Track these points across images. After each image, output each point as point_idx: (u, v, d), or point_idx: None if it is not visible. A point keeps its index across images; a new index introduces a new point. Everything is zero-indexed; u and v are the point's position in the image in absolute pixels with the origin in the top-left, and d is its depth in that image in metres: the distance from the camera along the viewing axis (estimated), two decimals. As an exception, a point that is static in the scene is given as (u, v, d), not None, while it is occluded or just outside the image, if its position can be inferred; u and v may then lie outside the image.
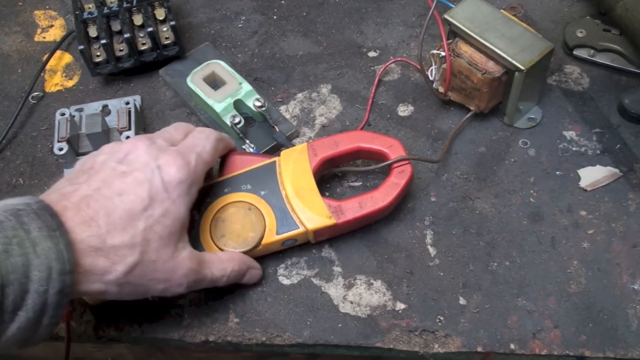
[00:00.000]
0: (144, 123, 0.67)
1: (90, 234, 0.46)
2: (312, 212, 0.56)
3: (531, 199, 0.60)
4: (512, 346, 0.53)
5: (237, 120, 0.63)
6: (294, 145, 0.63)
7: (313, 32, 0.73)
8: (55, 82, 0.72)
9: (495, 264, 0.57)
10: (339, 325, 0.55)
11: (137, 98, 0.68)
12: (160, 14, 0.69)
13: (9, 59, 0.74)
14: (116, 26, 0.68)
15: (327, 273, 0.58)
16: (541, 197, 0.60)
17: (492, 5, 0.63)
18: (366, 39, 0.72)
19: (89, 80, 0.71)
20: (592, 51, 0.68)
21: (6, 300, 0.41)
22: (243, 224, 0.56)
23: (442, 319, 0.55)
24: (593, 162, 0.62)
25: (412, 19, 0.73)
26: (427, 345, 0.54)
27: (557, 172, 0.62)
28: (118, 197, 0.48)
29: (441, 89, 0.64)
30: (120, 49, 0.68)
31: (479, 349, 0.53)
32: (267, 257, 0.58)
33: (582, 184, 0.61)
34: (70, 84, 0.72)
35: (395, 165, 0.57)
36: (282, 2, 0.76)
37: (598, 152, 0.62)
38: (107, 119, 0.65)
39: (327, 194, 0.61)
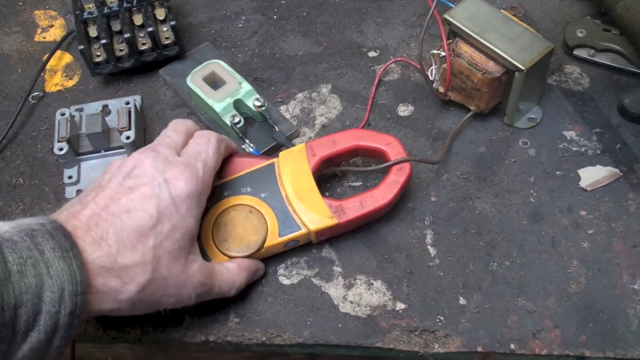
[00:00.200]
0: (144, 123, 0.67)
1: (101, 254, 0.46)
2: (314, 213, 0.55)
3: (531, 199, 0.60)
4: (512, 346, 0.53)
5: (237, 120, 0.63)
6: (294, 145, 0.63)
7: (313, 32, 0.73)
8: (55, 82, 0.72)
9: (495, 264, 0.57)
10: (339, 325, 0.55)
11: (137, 98, 0.68)
12: (160, 13, 0.69)
13: (9, 59, 0.74)
14: (116, 26, 0.68)
15: (327, 273, 0.58)
16: (541, 197, 0.60)
17: (492, 5, 0.63)
18: (366, 39, 0.72)
19: (89, 80, 0.71)
20: (592, 51, 0.68)
21: (19, 321, 0.41)
22: (245, 228, 0.55)
23: (442, 319, 0.55)
24: (593, 162, 0.62)
25: (412, 19, 0.73)
26: (427, 345, 0.54)
27: (557, 172, 0.62)
28: (126, 214, 0.47)
29: (441, 89, 0.64)
30: (121, 49, 0.68)
31: (479, 349, 0.53)
32: (266, 257, 0.58)
33: (582, 184, 0.61)
34: (70, 83, 0.72)
35: (392, 167, 0.58)
36: (282, 2, 0.76)
37: (598, 152, 0.62)
38: (107, 118, 0.65)
39: (327, 193, 0.61)
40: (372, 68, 0.70)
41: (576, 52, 0.68)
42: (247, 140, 0.63)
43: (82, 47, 0.66)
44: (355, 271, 0.58)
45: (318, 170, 0.59)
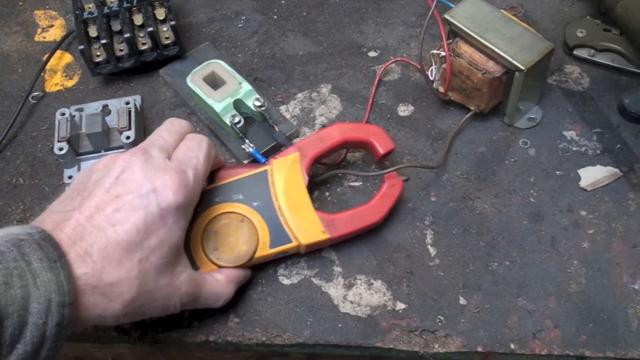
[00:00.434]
0: (144, 123, 0.67)
1: (86, 270, 0.44)
2: (306, 226, 0.55)
3: (531, 199, 0.60)
4: (512, 346, 0.53)
5: (236, 120, 0.63)
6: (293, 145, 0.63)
7: (313, 32, 0.73)
8: (55, 82, 0.72)
9: (496, 263, 0.57)
10: (339, 325, 0.55)
11: (137, 98, 0.68)
12: (160, 13, 0.69)
13: (9, 59, 0.74)
14: (116, 26, 0.68)
15: (327, 273, 0.58)
16: (541, 197, 0.60)
17: (492, 5, 0.63)
18: (366, 39, 0.72)
19: (89, 80, 0.71)
20: (592, 51, 0.68)
21: (4, 333, 0.40)
22: (236, 237, 0.54)
23: (442, 318, 0.55)
24: (593, 162, 0.62)
25: (412, 19, 0.73)
26: (427, 345, 0.54)
27: (557, 172, 0.62)
28: (112, 227, 0.46)
29: (441, 89, 0.64)
30: (121, 48, 0.68)
31: (479, 349, 0.53)
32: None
33: (582, 183, 0.61)
34: (70, 83, 0.72)
35: (387, 176, 0.58)
36: (282, 2, 0.76)
37: (598, 152, 0.62)
38: (107, 118, 0.65)
39: (327, 193, 0.61)
40: (372, 68, 0.70)
41: (576, 52, 0.68)
42: (247, 140, 0.63)
43: (82, 47, 0.66)
44: (355, 271, 0.58)
45: (310, 169, 0.58)
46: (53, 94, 0.71)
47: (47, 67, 0.72)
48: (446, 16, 0.62)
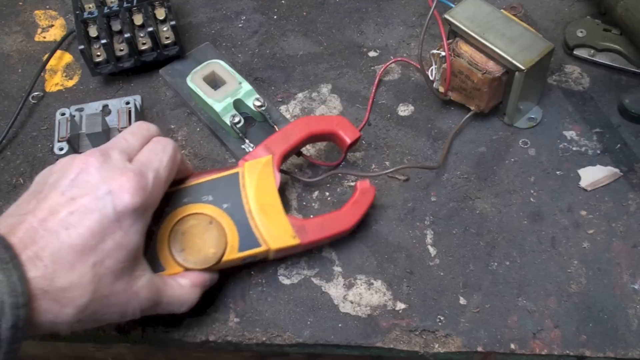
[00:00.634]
0: (144, 123, 0.67)
1: (37, 274, 0.43)
2: (276, 231, 0.54)
3: (531, 199, 0.60)
4: (512, 346, 0.53)
5: (237, 119, 0.63)
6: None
7: (313, 32, 0.73)
8: (55, 81, 0.72)
9: (496, 263, 0.57)
10: (339, 325, 0.55)
11: (138, 98, 0.68)
12: (160, 13, 0.69)
13: (9, 59, 0.74)
14: (116, 26, 0.68)
15: (327, 273, 0.58)
16: (541, 197, 0.60)
17: (492, 5, 0.63)
18: (366, 39, 0.72)
19: (89, 80, 0.71)
20: (592, 51, 0.68)
21: None
22: (204, 239, 0.53)
23: (442, 318, 0.55)
24: (593, 162, 0.62)
25: (412, 19, 0.73)
26: (427, 345, 0.54)
27: (558, 172, 0.62)
28: (65, 230, 0.44)
29: (441, 89, 0.64)
30: (121, 48, 0.68)
31: (479, 349, 0.53)
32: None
33: (583, 183, 0.61)
34: (70, 83, 0.72)
35: (359, 183, 0.57)
36: (283, 1, 0.76)
37: (598, 152, 0.62)
38: (107, 118, 0.65)
39: (327, 193, 0.61)
40: (372, 68, 0.70)
41: (576, 52, 0.68)
42: (247, 140, 0.63)
43: (82, 47, 0.66)
44: (355, 271, 0.58)
45: (279, 167, 0.57)
46: (53, 94, 0.71)
47: (47, 67, 0.72)
48: (446, 16, 0.62)
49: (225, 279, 0.57)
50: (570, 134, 0.64)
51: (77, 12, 0.69)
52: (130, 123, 0.63)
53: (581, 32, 0.68)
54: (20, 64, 0.73)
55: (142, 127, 0.53)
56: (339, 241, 0.59)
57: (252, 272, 0.58)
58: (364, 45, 0.72)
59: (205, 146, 0.66)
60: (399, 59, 0.69)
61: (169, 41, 0.69)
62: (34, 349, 0.64)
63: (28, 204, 0.47)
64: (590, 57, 0.68)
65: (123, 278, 0.46)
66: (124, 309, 0.47)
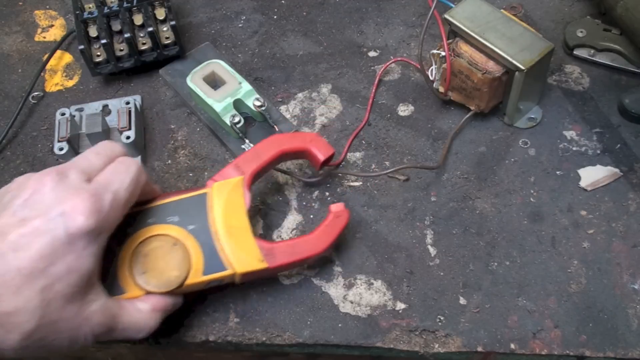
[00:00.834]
0: (144, 123, 0.67)
1: None
2: (244, 254, 0.52)
3: (531, 199, 0.60)
4: (512, 346, 0.53)
5: (236, 119, 0.63)
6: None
7: (313, 32, 0.73)
8: (55, 81, 0.72)
9: (496, 263, 0.57)
10: (339, 325, 0.55)
11: (138, 98, 0.68)
12: (160, 13, 0.69)
13: (9, 59, 0.74)
14: (116, 26, 0.68)
15: (327, 273, 0.58)
16: (541, 196, 0.60)
17: (492, 5, 0.63)
18: (366, 39, 0.72)
19: (89, 80, 0.71)
20: (592, 51, 0.68)
21: None
22: (167, 261, 0.51)
23: (442, 318, 0.55)
24: (593, 161, 0.62)
25: (412, 19, 0.73)
26: (427, 345, 0.54)
27: (558, 172, 0.62)
28: (13, 253, 0.42)
29: (441, 89, 0.64)
30: (121, 48, 0.68)
31: (479, 349, 0.53)
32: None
33: (583, 183, 0.61)
34: (70, 83, 0.72)
35: (333, 206, 0.55)
36: (283, 1, 0.76)
37: (598, 151, 0.62)
38: (107, 118, 0.65)
39: (327, 193, 0.61)
40: (372, 68, 0.70)
41: (576, 52, 0.68)
42: (247, 140, 0.63)
43: (82, 47, 0.66)
44: (355, 271, 0.58)
45: (250, 187, 0.55)
46: (53, 94, 0.71)
47: (47, 67, 0.72)
48: (446, 16, 0.62)
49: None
50: (570, 134, 0.64)
51: (77, 12, 0.69)
52: (130, 123, 0.63)
53: (581, 32, 0.68)
54: (20, 64, 0.73)
55: (107, 147, 0.51)
56: (339, 241, 0.59)
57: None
58: (364, 45, 0.72)
59: (205, 146, 0.66)
60: (399, 59, 0.69)
61: (169, 41, 0.69)
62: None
63: None
64: (590, 57, 0.68)
65: (74, 303, 0.44)
66: (75, 335, 0.45)
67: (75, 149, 0.63)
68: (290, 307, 0.56)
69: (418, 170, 0.62)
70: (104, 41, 0.66)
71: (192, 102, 0.67)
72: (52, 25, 0.77)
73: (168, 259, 0.51)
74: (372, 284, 0.57)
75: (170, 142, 0.66)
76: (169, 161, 0.65)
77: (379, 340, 0.54)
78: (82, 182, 0.46)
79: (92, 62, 0.68)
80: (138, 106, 0.67)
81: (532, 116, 0.65)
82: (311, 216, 0.60)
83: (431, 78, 0.65)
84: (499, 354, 0.53)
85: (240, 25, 0.74)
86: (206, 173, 0.64)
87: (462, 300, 0.56)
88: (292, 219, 0.60)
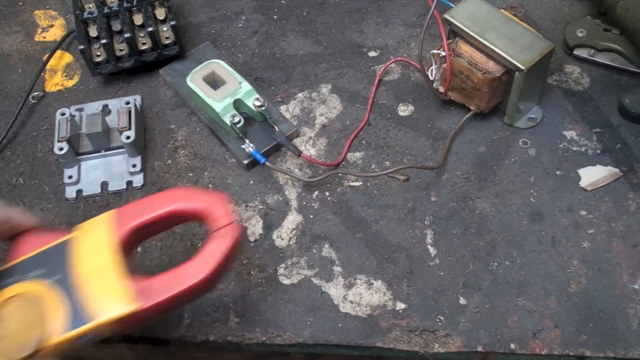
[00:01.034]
0: (144, 123, 0.67)
1: None
2: (109, 298, 0.45)
3: (531, 199, 0.60)
4: (512, 346, 0.53)
5: (236, 119, 0.63)
6: (294, 146, 0.63)
7: (313, 32, 0.73)
8: (55, 81, 0.72)
9: (496, 263, 0.57)
10: (339, 325, 0.55)
11: (138, 98, 0.68)
12: (160, 13, 0.69)
13: (9, 59, 0.74)
14: (116, 26, 0.68)
15: (328, 273, 0.58)
16: (541, 196, 0.60)
17: (492, 5, 0.63)
18: (366, 39, 0.72)
19: (89, 80, 0.71)
20: (592, 51, 0.68)
21: None
22: (22, 323, 0.44)
23: (442, 318, 0.55)
24: (593, 161, 0.62)
25: (413, 19, 0.73)
26: (427, 345, 0.54)
27: (558, 172, 0.62)
28: None
29: (441, 89, 0.64)
30: (121, 48, 0.68)
31: (479, 349, 0.53)
32: (267, 256, 0.58)
33: (583, 183, 0.61)
34: (70, 83, 0.72)
35: (217, 228, 0.47)
36: (283, 2, 0.76)
37: (598, 151, 0.62)
38: (107, 118, 0.65)
39: (327, 193, 0.61)
40: (372, 68, 0.70)
41: (576, 52, 0.68)
42: (247, 140, 0.63)
43: (82, 47, 0.66)
44: (355, 271, 0.58)
45: (129, 242, 0.48)
46: (53, 94, 0.71)
47: (47, 67, 0.72)
48: (446, 16, 0.62)
49: (225, 279, 0.57)
50: (570, 134, 0.64)
51: (77, 12, 0.69)
52: (130, 123, 0.63)
53: (581, 32, 0.68)
54: (20, 64, 0.73)
55: None
56: (339, 241, 0.59)
57: (252, 272, 0.58)
58: (364, 45, 0.72)
59: (205, 146, 0.66)
60: (399, 59, 0.69)
61: (169, 41, 0.69)
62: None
63: None
64: (590, 57, 0.68)
65: None
66: None
67: (75, 149, 0.63)
68: (290, 307, 0.56)
69: (418, 170, 0.62)
70: (104, 41, 0.66)
71: (192, 102, 0.67)
72: (52, 25, 0.77)
73: (23, 321, 0.45)
74: (372, 284, 0.57)
75: (170, 142, 0.66)
76: (169, 161, 0.65)
77: (379, 340, 0.54)
78: None
79: (92, 62, 0.68)
80: (138, 106, 0.67)
81: (532, 116, 0.65)
82: (311, 216, 0.60)
83: (431, 78, 0.64)
84: (499, 354, 0.53)
85: (240, 25, 0.74)
86: (206, 173, 0.64)
87: (462, 300, 0.55)
88: (292, 219, 0.60)
